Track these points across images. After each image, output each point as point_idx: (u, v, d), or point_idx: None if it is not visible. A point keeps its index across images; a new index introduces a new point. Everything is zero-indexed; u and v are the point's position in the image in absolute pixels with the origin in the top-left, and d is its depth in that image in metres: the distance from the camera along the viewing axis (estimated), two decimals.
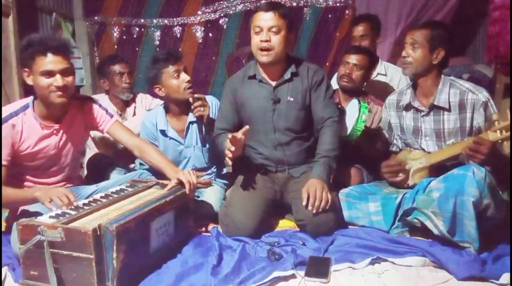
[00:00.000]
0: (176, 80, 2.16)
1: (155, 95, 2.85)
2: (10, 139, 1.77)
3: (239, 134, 1.83)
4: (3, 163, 1.74)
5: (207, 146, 2.31)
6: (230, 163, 1.88)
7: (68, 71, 1.77)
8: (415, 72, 1.90)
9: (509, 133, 1.62)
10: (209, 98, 2.32)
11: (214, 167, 2.40)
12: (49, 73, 1.73)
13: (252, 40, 1.99)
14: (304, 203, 1.83)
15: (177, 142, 2.30)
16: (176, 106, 2.26)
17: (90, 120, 2.00)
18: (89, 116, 2.00)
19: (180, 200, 1.80)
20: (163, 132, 2.28)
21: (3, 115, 1.77)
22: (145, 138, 2.30)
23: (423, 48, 1.89)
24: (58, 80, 1.74)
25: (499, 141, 1.66)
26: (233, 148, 1.82)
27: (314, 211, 1.81)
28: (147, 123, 2.32)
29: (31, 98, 1.86)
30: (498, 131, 1.65)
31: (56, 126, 1.87)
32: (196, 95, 2.16)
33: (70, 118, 1.92)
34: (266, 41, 1.93)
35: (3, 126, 1.75)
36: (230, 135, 1.83)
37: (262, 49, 1.94)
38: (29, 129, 1.81)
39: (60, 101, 1.78)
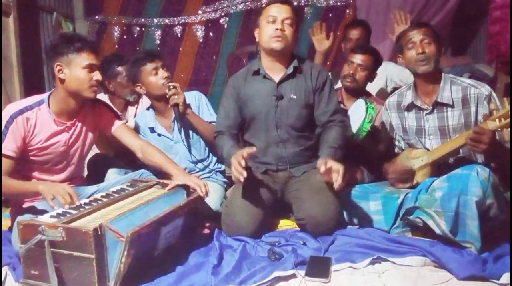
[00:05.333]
0: (155, 77, 2.20)
1: None
2: (22, 132, 1.80)
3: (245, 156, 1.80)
4: (11, 154, 1.78)
5: (194, 137, 2.32)
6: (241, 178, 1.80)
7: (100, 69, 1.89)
8: (434, 66, 1.89)
9: (508, 120, 1.61)
10: (193, 93, 2.36)
11: (215, 162, 2.41)
12: (91, 68, 1.83)
13: (264, 29, 1.99)
14: (322, 170, 1.75)
15: (167, 138, 2.33)
16: (160, 104, 2.29)
17: (100, 122, 2.05)
18: (99, 118, 2.05)
19: (193, 204, 1.80)
20: (152, 130, 2.33)
21: (19, 108, 1.82)
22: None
23: (434, 42, 1.90)
24: (98, 75, 1.85)
25: (499, 129, 1.65)
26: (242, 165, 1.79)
27: (342, 185, 1.75)
28: (139, 122, 2.40)
29: (46, 94, 1.91)
30: (496, 120, 1.64)
31: (69, 123, 1.92)
32: (170, 83, 2.18)
33: (82, 117, 1.97)
34: (281, 29, 1.95)
35: (16, 119, 1.79)
36: (243, 154, 1.79)
37: (276, 36, 1.95)
38: (42, 124, 1.85)
39: (94, 96, 1.89)
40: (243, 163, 1.78)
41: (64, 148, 1.92)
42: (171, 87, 2.17)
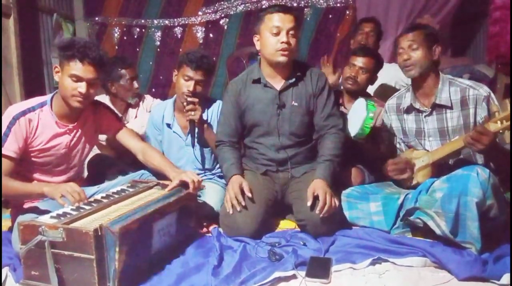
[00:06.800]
0: (183, 82, 2.17)
1: (155, 96, 2.86)
2: (24, 133, 1.81)
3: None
4: (12, 154, 1.78)
5: (206, 148, 2.32)
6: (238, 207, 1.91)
7: (94, 82, 1.83)
8: (421, 71, 1.90)
9: (509, 123, 1.61)
10: (217, 103, 2.33)
11: (218, 167, 2.40)
12: (77, 79, 1.78)
13: (268, 41, 1.95)
14: (309, 204, 1.83)
15: (180, 138, 2.32)
16: (181, 102, 2.26)
17: (101, 124, 2.06)
18: (101, 121, 2.05)
19: (183, 201, 1.80)
20: (168, 126, 2.32)
21: (21, 109, 1.82)
22: (151, 129, 2.38)
23: (422, 47, 1.90)
24: (83, 87, 1.79)
25: (500, 131, 1.65)
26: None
27: (321, 215, 1.81)
28: (155, 115, 2.38)
29: (49, 96, 1.91)
30: (498, 122, 1.64)
31: (70, 126, 1.92)
32: (189, 99, 2.14)
33: (83, 120, 1.97)
34: (287, 43, 1.92)
35: (19, 120, 1.79)
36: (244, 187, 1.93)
37: (282, 50, 1.93)
38: (44, 126, 1.86)
39: (77, 106, 1.83)
40: (243, 203, 1.89)
41: (65, 150, 1.92)
42: (189, 101, 2.14)
